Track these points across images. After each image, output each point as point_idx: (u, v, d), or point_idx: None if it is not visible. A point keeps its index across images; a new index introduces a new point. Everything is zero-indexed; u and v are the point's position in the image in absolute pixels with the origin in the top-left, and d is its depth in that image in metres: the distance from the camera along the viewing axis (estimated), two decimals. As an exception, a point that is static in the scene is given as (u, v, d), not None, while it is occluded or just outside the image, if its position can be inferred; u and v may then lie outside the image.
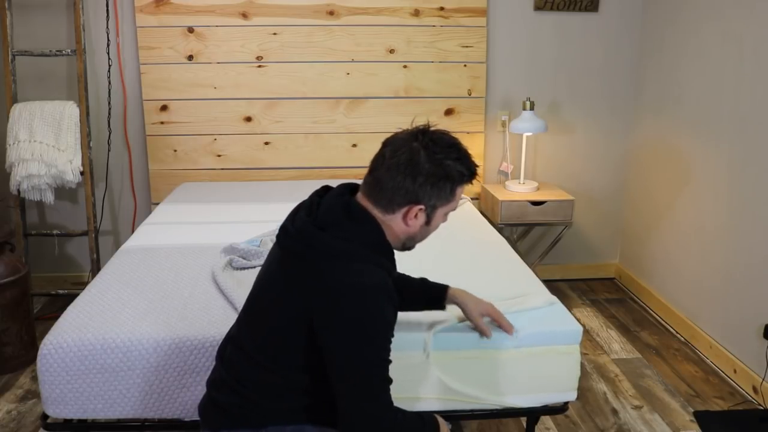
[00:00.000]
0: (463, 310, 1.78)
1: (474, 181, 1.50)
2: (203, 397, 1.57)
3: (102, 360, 1.80)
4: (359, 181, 1.53)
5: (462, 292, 1.78)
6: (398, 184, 1.42)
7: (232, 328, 1.61)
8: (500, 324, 1.79)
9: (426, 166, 1.41)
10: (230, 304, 2.02)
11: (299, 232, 1.44)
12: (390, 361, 1.41)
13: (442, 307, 1.78)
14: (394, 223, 1.46)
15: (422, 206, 1.44)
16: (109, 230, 3.65)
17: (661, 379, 2.84)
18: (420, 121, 1.53)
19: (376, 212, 1.45)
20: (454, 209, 1.52)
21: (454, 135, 1.48)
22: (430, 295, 1.77)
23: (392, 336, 1.42)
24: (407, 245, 1.53)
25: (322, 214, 1.45)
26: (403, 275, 1.76)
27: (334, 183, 1.59)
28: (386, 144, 1.48)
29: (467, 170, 1.46)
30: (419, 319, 1.87)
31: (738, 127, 2.79)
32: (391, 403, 1.41)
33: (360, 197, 1.48)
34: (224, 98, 3.48)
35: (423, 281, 1.79)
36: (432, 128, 1.48)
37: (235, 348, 1.53)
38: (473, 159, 1.48)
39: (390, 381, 1.41)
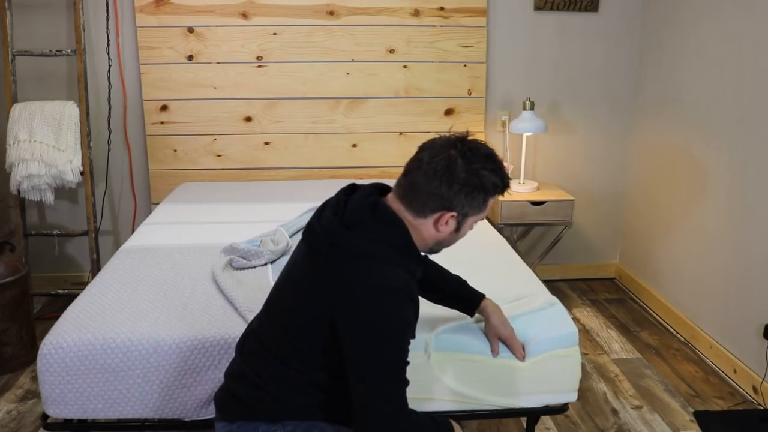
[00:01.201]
0: (486, 324, 1.81)
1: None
2: (220, 387, 1.59)
3: (102, 360, 1.80)
4: (390, 182, 1.54)
5: (494, 308, 1.80)
6: (433, 190, 1.42)
7: (253, 321, 1.62)
8: (514, 351, 1.81)
9: (462, 174, 1.42)
10: (230, 304, 2.02)
11: (325, 230, 1.45)
12: (408, 363, 1.42)
13: (470, 314, 1.82)
14: (425, 228, 1.47)
15: (454, 213, 1.45)
16: (109, 230, 3.65)
17: (661, 379, 2.84)
18: (457, 129, 1.54)
19: (407, 215, 1.46)
20: (482, 219, 1.53)
21: (489, 146, 1.49)
22: (466, 298, 1.80)
23: (412, 338, 1.43)
24: (434, 249, 1.54)
25: (348, 214, 1.46)
26: (443, 268, 1.79)
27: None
28: (424, 148, 1.48)
29: (501, 182, 1.47)
30: (421, 320, 1.86)
31: (738, 126, 2.79)
32: (407, 404, 1.42)
33: (391, 198, 1.49)
34: (224, 98, 3.48)
35: (462, 283, 1.80)
36: (469, 137, 1.49)
37: (255, 341, 1.54)
38: (507, 171, 1.49)
39: (407, 383, 1.42)
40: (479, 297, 1.80)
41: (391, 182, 1.54)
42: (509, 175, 1.50)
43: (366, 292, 1.38)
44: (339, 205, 1.49)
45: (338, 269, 1.41)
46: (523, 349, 1.83)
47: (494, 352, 1.80)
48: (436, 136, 1.50)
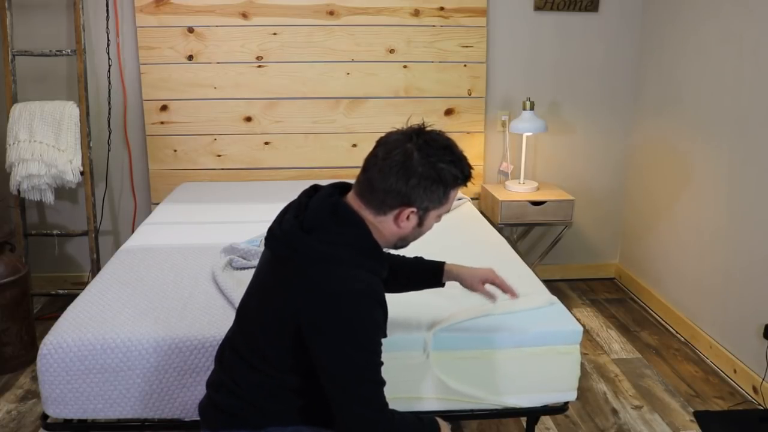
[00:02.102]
0: (462, 283, 1.74)
1: (472, 182, 1.48)
2: (203, 397, 1.58)
3: (102, 360, 1.80)
4: (351, 181, 1.51)
5: (458, 266, 1.75)
6: (390, 186, 1.39)
7: (229, 330, 1.61)
8: (504, 289, 1.74)
9: (419, 168, 1.38)
10: (230, 304, 2.02)
11: (285, 235, 1.43)
12: (381, 364, 1.40)
13: (440, 284, 1.76)
14: (386, 225, 1.44)
15: (414, 209, 1.42)
16: (109, 230, 3.65)
17: (661, 379, 2.84)
18: (415, 121, 1.50)
19: (367, 213, 1.43)
20: (447, 211, 1.49)
21: (449, 136, 1.45)
22: (428, 273, 1.74)
23: (383, 338, 1.41)
24: (398, 245, 1.51)
25: (309, 217, 1.43)
26: (397, 256, 1.73)
27: (330, 182, 1.57)
28: (380, 143, 1.44)
29: (461, 173, 1.43)
30: (419, 319, 1.87)
31: (738, 126, 2.79)
32: (386, 405, 1.40)
33: (351, 197, 1.46)
34: (224, 98, 3.48)
35: (418, 260, 1.76)
36: (427, 128, 1.44)
37: (230, 350, 1.53)
38: (468, 162, 1.44)
39: (383, 383, 1.40)
40: (440, 265, 1.74)
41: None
42: (470, 165, 1.45)
43: (329, 298, 1.35)
44: (300, 208, 1.46)
45: (300, 275, 1.38)
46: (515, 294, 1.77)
47: (491, 297, 1.74)
48: (393, 129, 1.46)
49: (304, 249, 1.39)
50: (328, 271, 1.37)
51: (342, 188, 1.51)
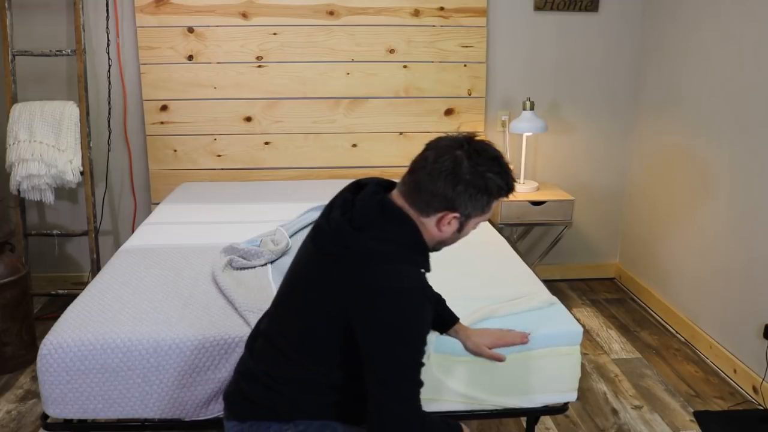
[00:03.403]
0: (466, 345, 1.79)
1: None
2: (230, 385, 1.59)
3: (102, 360, 1.80)
4: (395, 180, 1.52)
5: (466, 329, 1.80)
6: (437, 190, 1.41)
7: (261, 321, 1.62)
8: (512, 343, 1.80)
9: (467, 176, 1.40)
10: (230, 304, 2.02)
11: (335, 232, 1.44)
12: (423, 364, 1.42)
13: (441, 332, 1.80)
14: (427, 227, 1.46)
15: (457, 214, 1.44)
16: (109, 230, 3.65)
17: (661, 379, 2.84)
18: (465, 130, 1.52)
19: (411, 212, 1.45)
20: (485, 220, 1.52)
21: (496, 147, 1.48)
22: (443, 317, 1.79)
23: (428, 336, 1.43)
24: (436, 248, 1.53)
25: (357, 214, 1.44)
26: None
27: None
28: (430, 147, 1.46)
29: (506, 185, 1.45)
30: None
31: (738, 126, 2.79)
32: (420, 406, 1.42)
33: (396, 195, 1.47)
34: (224, 98, 3.48)
35: (442, 301, 1.80)
36: (477, 138, 1.47)
37: (266, 343, 1.53)
38: (513, 174, 1.47)
39: (421, 384, 1.42)
40: (455, 319, 1.80)
41: (396, 180, 1.52)
42: (515, 178, 1.48)
43: (384, 294, 1.37)
44: (347, 205, 1.47)
45: (352, 272, 1.40)
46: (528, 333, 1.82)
47: (500, 359, 1.78)
48: (443, 134, 1.49)
49: (355, 247, 1.41)
50: (380, 269, 1.39)
51: (385, 186, 1.53)
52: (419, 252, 1.46)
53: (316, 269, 1.47)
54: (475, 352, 1.79)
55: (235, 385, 1.57)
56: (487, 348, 1.78)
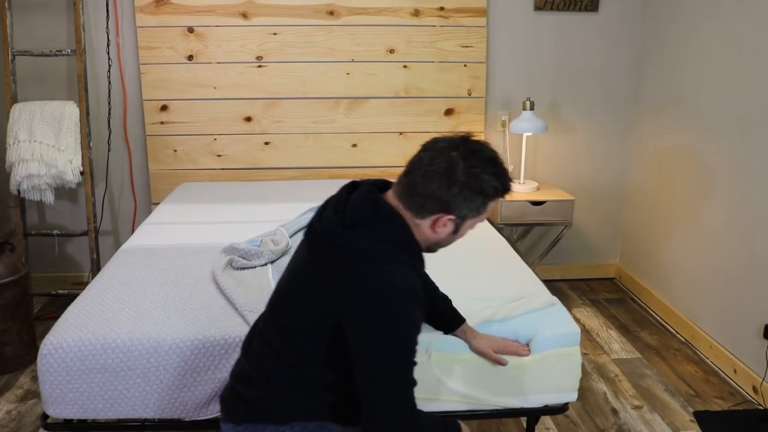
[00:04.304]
0: (472, 346, 1.81)
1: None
2: (225, 388, 1.58)
3: (102, 360, 1.80)
4: (392, 180, 1.52)
5: (472, 330, 1.81)
6: (432, 192, 1.40)
7: (257, 321, 1.61)
8: (514, 353, 1.82)
9: (462, 177, 1.39)
10: (230, 304, 2.02)
11: (326, 231, 1.44)
12: (415, 363, 1.41)
13: (446, 332, 1.82)
14: (422, 228, 1.45)
15: (452, 216, 1.43)
16: (109, 230, 3.65)
17: (661, 379, 2.84)
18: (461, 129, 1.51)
19: (406, 213, 1.45)
20: (482, 221, 1.51)
21: (493, 147, 1.46)
22: (449, 318, 1.80)
23: (418, 336, 1.43)
24: (432, 249, 1.52)
25: (349, 213, 1.44)
26: (431, 283, 1.78)
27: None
28: (425, 148, 1.45)
29: (502, 186, 1.44)
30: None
31: (738, 126, 2.79)
32: (415, 404, 1.41)
33: (391, 196, 1.47)
34: (224, 98, 3.48)
35: (449, 302, 1.81)
36: (472, 138, 1.46)
37: (261, 343, 1.53)
38: (509, 175, 1.46)
39: (414, 383, 1.41)
40: (461, 320, 1.81)
41: (392, 180, 1.52)
42: (511, 178, 1.47)
43: (373, 294, 1.37)
44: (340, 205, 1.47)
45: (343, 271, 1.40)
46: (528, 346, 1.84)
47: (501, 362, 1.81)
48: (439, 135, 1.48)
49: (346, 246, 1.40)
50: (370, 268, 1.39)
51: (380, 186, 1.52)
52: (411, 252, 1.46)
53: (309, 268, 1.47)
54: (480, 353, 1.80)
55: (230, 387, 1.57)
56: (490, 350, 1.80)
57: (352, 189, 1.51)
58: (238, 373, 1.57)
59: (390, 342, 1.37)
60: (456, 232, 1.48)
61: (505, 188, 1.45)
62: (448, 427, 1.49)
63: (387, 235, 1.42)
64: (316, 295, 1.43)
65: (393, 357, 1.38)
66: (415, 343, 1.41)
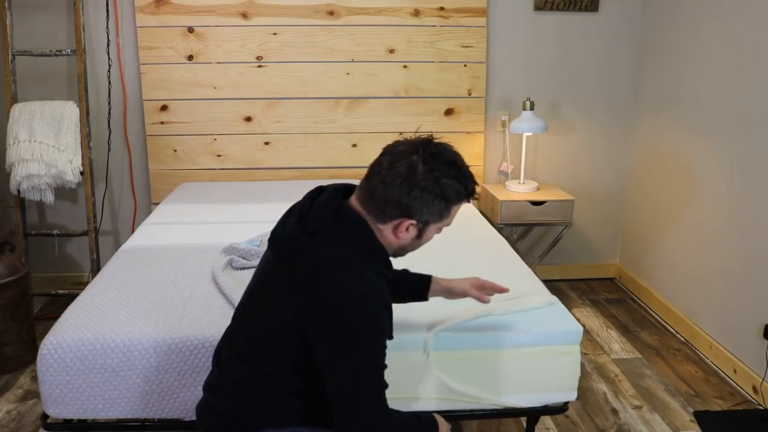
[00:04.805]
0: (452, 291, 1.73)
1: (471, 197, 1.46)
2: (201, 399, 1.57)
3: (102, 360, 1.80)
4: (355, 182, 1.50)
5: (445, 282, 1.73)
6: (392, 197, 1.38)
7: (227, 330, 1.60)
8: (495, 290, 1.74)
9: (422, 182, 1.36)
10: (230, 304, 2.02)
11: (289, 238, 1.42)
12: (385, 367, 1.40)
13: (425, 298, 1.75)
14: (385, 233, 1.43)
15: (414, 221, 1.41)
16: (109, 230, 3.65)
17: (661, 379, 2.84)
18: (423, 127, 1.49)
19: (369, 218, 1.42)
20: (448, 225, 1.48)
21: (455, 150, 1.43)
22: (416, 285, 1.74)
23: (388, 340, 1.40)
24: (397, 254, 1.50)
25: (312, 220, 1.42)
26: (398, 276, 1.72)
27: (334, 183, 1.57)
28: (386, 152, 1.43)
29: (465, 190, 1.41)
30: (420, 319, 1.87)
31: (738, 126, 2.79)
32: (387, 408, 1.40)
33: (354, 201, 1.45)
34: (224, 98, 3.48)
35: (406, 272, 1.75)
36: (435, 141, 1.42)
37: (230, 351, 1.52)
38: (473, 178, 1.43)
39: (385, 386, 1.40)
40: (427, 278, 1.74)
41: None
42: (476, 181, 1.43)
43: (334, 301, 1.34)
44: (303, 210, 1.45)
45: (304, 278, 1.37)
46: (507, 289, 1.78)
47: (484, 300, 1.72)
48: (401, 137, 1.45)
49: (307, 253, 1.38)
50: (333, 275, 1.36)
51: (345, 190, 1.50)
52: (376, 257, 1.42)
53: (272, 275, 1.45)
54: (462, 294, 1.73)
55: (204, 399, 1.55)
56: (472, 288, 1.72)
57: (317, 194, 1.49)
58: (209, 383, 1.55)
59: (356, 351, 1.35)
60: (420, 237, 1.45)
61: (469, 191, 1.42)
62: (423, 424, 1.48)
63: (349, 240, 1.40)
64: (280, 303, 1.41)
65: (360, 365, 1.35)
66: (383, 347, 1.39)
